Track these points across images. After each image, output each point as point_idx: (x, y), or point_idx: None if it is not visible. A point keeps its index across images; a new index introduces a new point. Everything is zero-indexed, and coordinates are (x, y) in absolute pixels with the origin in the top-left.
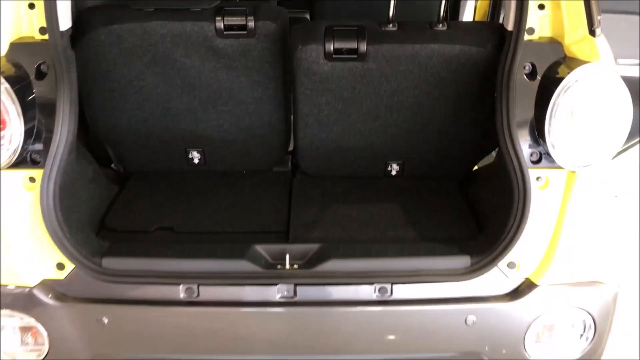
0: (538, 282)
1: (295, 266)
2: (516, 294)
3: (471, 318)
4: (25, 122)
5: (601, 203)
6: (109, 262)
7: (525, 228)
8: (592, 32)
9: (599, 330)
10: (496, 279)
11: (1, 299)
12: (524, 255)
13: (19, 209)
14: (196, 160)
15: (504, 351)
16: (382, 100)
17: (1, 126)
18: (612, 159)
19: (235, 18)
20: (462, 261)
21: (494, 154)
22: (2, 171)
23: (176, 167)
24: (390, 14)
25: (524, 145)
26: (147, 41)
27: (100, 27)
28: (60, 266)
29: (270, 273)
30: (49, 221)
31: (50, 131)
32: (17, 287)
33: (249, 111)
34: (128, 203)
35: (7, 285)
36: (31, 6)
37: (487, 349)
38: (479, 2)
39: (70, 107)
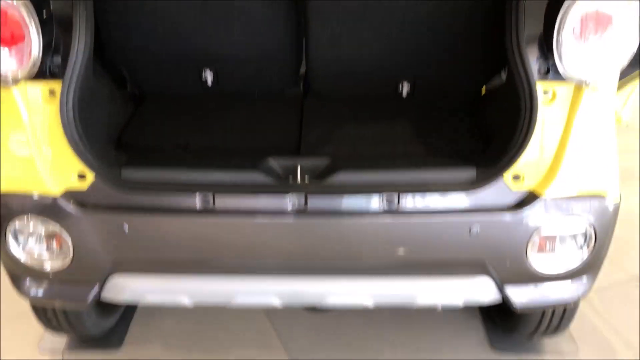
0: (541, 194)
1: (306, 179)
2: (520, 205)
3: (475, 228)
4: (43, 35)
5: (605, 119)
6: (128, 173)
7: (531, 141)
8: None
9: (599, 240)
10: (501, 190)
11: (28, 207)
12: (528, 167)
13: (42, 121)
14: (209, 81)
15: (507, 261)
16: (393, 17)
17: (21, 39)
18: (620, 88)
19: None
20: (468, 173)
21: (504, 77)
22: (23, 84)
23: (190, 89)
24: None
25: (532, 59)
26: None
27: None
28: (82, 176)
29: (282, 184)
30: (70, 133)
31: (68, 45)
32: (42, 196)
33: (261, 30)
34: (144, 122)
35: (32, 195)
36: None
37: (490, 258)
38: None
39: (87, 22)
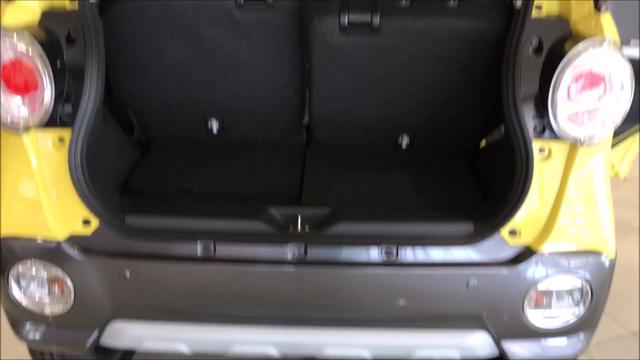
0: (538, 249)
1: (307, 228)
2: (517, 260)
3: (472, 282)
4: (56, 85)
5: (600, 176)
6: (132, 219)
7: (527, 197)
8: (597, 9)
9: (596, 297)
10: (498, 245)
11: (32, 251)
12: (525, 223)
13: (49, 167)
14: (215, 129)
15: (504, 315)
16: (393, 73)
17: (34, 88)
18: (616, 144)
19: None
20: (465, 227)
21: (503, 130)
22: (33, 131)
23: (196, 136)
24: None
25: (529, 117)
26: (170, 12)
27: None
28: (86, 222)
29: (282, 233)
30: (76, 179)
31: (78, 94)
32: (47, 240)
33: (267, 82)
34: (150, 167)
35: (36, 239)
36: None
37: (487, 312)
38: None
39: (98, 72)
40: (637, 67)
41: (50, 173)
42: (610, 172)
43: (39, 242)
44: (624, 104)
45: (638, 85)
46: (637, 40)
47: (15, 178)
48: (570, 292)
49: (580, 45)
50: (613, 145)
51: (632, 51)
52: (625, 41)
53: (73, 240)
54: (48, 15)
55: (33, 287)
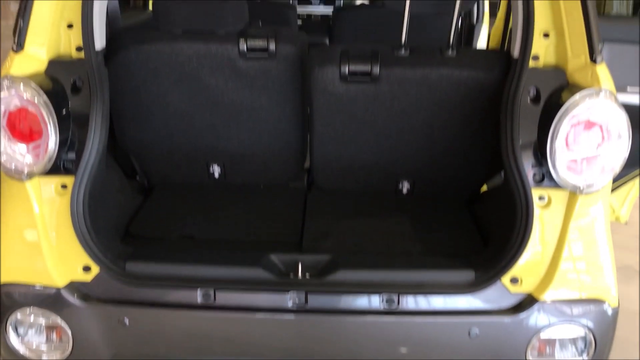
0: (540, 298)
1: (307, 275)
2: (519, 308)
3: (474, 330)
4: (60, 133)
5: (601, 224)
6: (132, 266)
7: (528, 245)
8: (593, 60)
9: (599, 346)
10: (499, 293)
11: (31, 299)
12: (526, 271)
13: (51, 214)
14: (216, 174)
15: None
16: (393, 121)
17: (39, 136)
18: (616, 188)
19: (257, 41)
20: (466, 275)
21: (503, 176)
22: (37, 178)
23: (198, 180)
24: (403, 39)
25: (528, 166)
26: (174, 61)
27: (131, 47)
28: (87, 268)
29: (283, 281)
30: (78, 226)
31: (82, 142)
32: (46, 287)
33: (268, 128)
34: (151, 212)
35: (35, 286)
36: (70, 26)
37: None
38: (492, 28)
39: (102, 120)
40: (634, 113)
41: (52, 219)
42: (611, 216)
43: (38, 289)
44: (622, 152)
45: (637, 130)
46: (635, 87)
47: (16, 225)
48: (573, 341)
49: (577, 95)
50: (613, 190)
51: (630, 97)
52: (621, 88)
53: (73, 287)
54: (54, 64)
55: (31, 334)
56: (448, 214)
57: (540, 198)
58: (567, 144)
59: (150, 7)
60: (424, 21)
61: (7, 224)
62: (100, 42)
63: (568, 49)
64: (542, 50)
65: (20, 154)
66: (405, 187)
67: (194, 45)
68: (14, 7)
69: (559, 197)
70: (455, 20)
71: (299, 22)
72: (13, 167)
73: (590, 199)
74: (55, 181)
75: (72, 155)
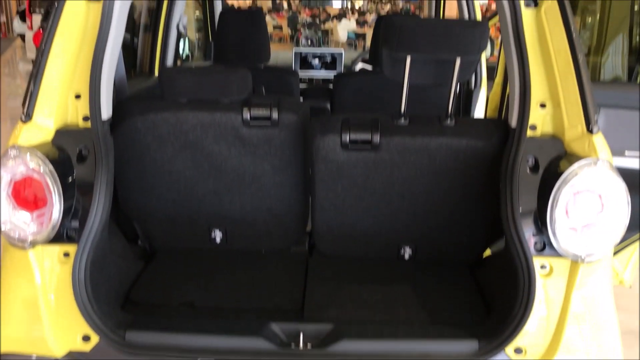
0: None
1: (309, 346)
2: None
3: None
4: (65, 201)
5: (604, 291)
6: (132, 336)
7: (531, 315)
8: (589, 130)
9: None
10: None
11: None
12: (530, 340)
13: (52, 282)
14: (218, 239)
15: None
16: (394, 188)
17: (43, 204)
18: (619, 251)
19: (260, 110)
20: (470, 345)
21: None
22: (40, 246)
23: (199, 245)
24: (402, 108)
25: (528, 234)
26: (179, 129)
27: (137, 116)
28: (86, 338)
29: (284, 352)
30: (79, 295)
31: (86, 210)
32: (44, 358)
33: (270, 194)
34: (152, 278)
35: (32, 356)
36: (77, 97)
37: None
38: (491, 93)
39: (106, 189)
40: (633, 177)
41: (53, 288)
42: (614, 280)
43: (33, 359)
44: (622, 221)
45: (637, 194)
46: (632, 152)
47: (17, 294)
48: None
49: (575, 165)
50: (616, 253)
51: (628, 161)
52: (619, 152)
53: (71, 356)
54: (61, 134)
55: None
56: (451, 281)
57: (542, 267)
58: (566, 213)
59: (156, 73)
60: (422, 89)
61: (8, 293)
62: (106, 111)
63: (565, 119)
64: (539, 120)
65: (24, 222)
66: (407, 252)
67: (199, 114)
68: (22, 67)
69: (560, 266)
70: (453, 91)
71: (302, 85)
72: (17, 236)
73: (592, 267)
74: (57, 249)
75: (75, 224)
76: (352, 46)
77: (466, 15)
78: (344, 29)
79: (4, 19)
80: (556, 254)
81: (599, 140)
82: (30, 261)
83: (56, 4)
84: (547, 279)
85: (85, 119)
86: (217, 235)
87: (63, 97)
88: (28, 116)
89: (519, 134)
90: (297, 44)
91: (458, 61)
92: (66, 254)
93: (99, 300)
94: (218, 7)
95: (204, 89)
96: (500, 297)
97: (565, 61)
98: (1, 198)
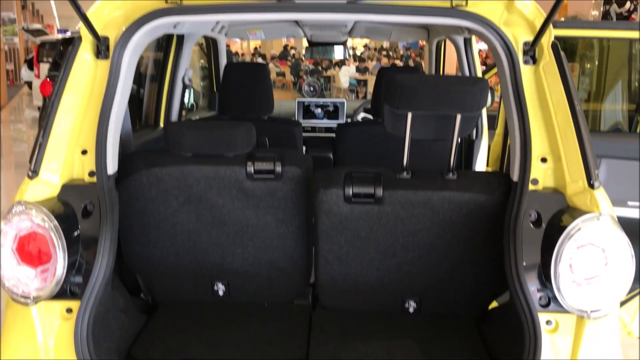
0: None
1: None
2: None
3: None
4: (69, 256)
5: (610, 346)
6: None
7: None
8: (591, 185)
9: None
10: None
11: None
12: None
13: (53, 339)
14: (221, 292)
15: None
16: (397, 241)
17: (47, 260)
18: (626, 302)
19: (264, 163)
20: None
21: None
22: (42, 302)
23: (202, 298)
24: (404, 162)
25: (533, 289)
26: (183, 183)
27: (142, 170)
28: None
29: None
30: (81, 352)
31: (90, 265)
32: None
33: (273, 246)
34: (154, 333)
35: None
36: (84, 152)
37: None
38: (492, 143)
39: (111, 244)
40: (635, 227)
41: (54, 345)
42: (622, 331)
43: None
44: (627, 275)
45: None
46: (635, 202)
47: (18, 351)
48: None
49: (579, 220)
50: (623, 303)
51: (630, 212)
52: (622, 202)
53: None
54: (67, 189)
55: None
56: (456, 336)
57: (548, 322)
58: (571, 269)
59: (162, 124)
60: (424, 142)
61: (9, 351)
62: (112, 166)
63: (566, 174)
64: (541, 175)
65: (28, 277)
66: (412, 306)
67: (203, 168)
68: (27, 114)
69: (566, 322)
70: (455, 145)
71: (305, 134)
72: (20, 292)
73: (598, 323)
74: (60, 305)
75: (79, 279)
76: (353, 92)
77: (466, 70)
78: (345, 75)
79: (12, 66)
80: (562, 309)
81: (600, 194)
82: (32, 318)
83: (66, 60)
84: (553, 334)
85: (91, 174)
86: (220, 288)
87: (70, 152)
88: (35, 172)
89: (521, 189)
90: (300, 90)
91: (459, 118)
92: (69, 310)
93: (100, 357)
94: (223, 60)
95: (209, 143)
96: (506, 354)
97: (565, 116)
98: (5, 254)
